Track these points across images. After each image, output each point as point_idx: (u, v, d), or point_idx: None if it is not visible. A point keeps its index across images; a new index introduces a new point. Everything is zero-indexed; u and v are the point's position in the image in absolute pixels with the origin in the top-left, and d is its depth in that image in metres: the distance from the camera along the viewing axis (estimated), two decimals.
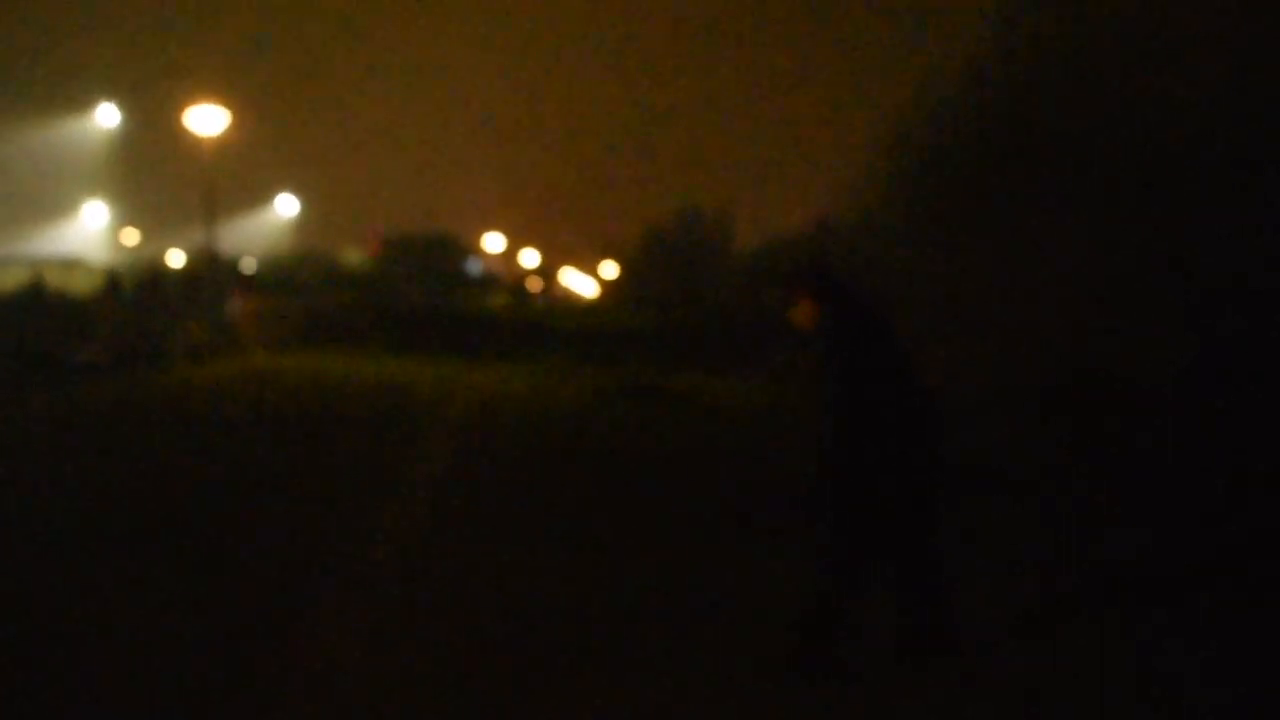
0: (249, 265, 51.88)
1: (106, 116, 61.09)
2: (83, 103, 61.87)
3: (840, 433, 5.29)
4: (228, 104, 34.21)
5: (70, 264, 50.12)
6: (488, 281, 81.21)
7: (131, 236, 69.13)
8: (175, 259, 57.67)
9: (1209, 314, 13.70)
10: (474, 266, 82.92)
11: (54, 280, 37.50)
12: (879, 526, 5.36)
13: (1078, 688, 5.67)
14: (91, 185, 64.94)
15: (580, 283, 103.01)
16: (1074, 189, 17.84)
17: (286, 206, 74.55)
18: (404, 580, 7.68)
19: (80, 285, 40.21)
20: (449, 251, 77.26)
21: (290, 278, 52.29)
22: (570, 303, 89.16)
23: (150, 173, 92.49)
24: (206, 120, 33.70)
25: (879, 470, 5.30)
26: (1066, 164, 18.43)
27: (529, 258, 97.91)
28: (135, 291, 31.52)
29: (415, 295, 58.42)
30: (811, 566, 5.74)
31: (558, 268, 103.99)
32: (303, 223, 77.30)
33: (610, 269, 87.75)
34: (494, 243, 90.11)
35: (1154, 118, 17.82)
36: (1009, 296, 18.16)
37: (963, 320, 19.03)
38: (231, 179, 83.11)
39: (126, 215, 69.13)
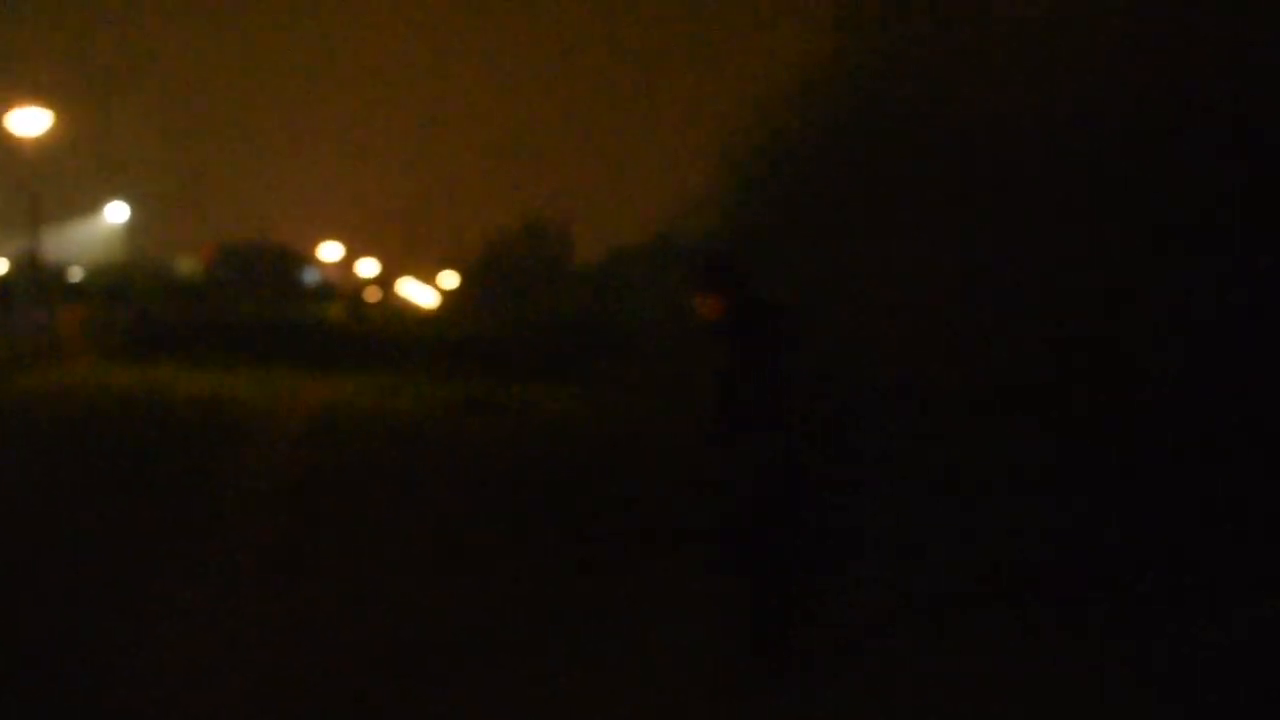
0: (75, 274, 50.04)
1: None
2: None
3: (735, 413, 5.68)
4: (51, 105, 32.94)
5: None
6: (324, 291, 79.80)
7: None
8: None
9: (1044, 319, 13.92)
10: (310, 276, 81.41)
11: None
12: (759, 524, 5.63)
13: (956, 689, 5.62)
14: None
15: (420, 293, 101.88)
16: (916, 196, 18.05)
17: (117, 213, 72.15)
18: (225, 609, 7.27)
19: None
20: (285, 260, 75.76)
21: (120, 286, 50.56)
22: (409, 313, 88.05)
23: None
24: (28, 122, 32.38)
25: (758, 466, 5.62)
26: (908, 172, 18.64)
27: (367, 267, 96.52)
28: None
29: (249, 305, 57.06)
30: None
31: (397, 278, 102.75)
32: (134, 230, 74.84)
33: (450, 279, 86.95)
34: (331, 252, 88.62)
35: (994, 126, 18.14)
36: (850, 305, 18.28)
37: (805, 329, 19.15)
38: (60, 184, 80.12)
39: None
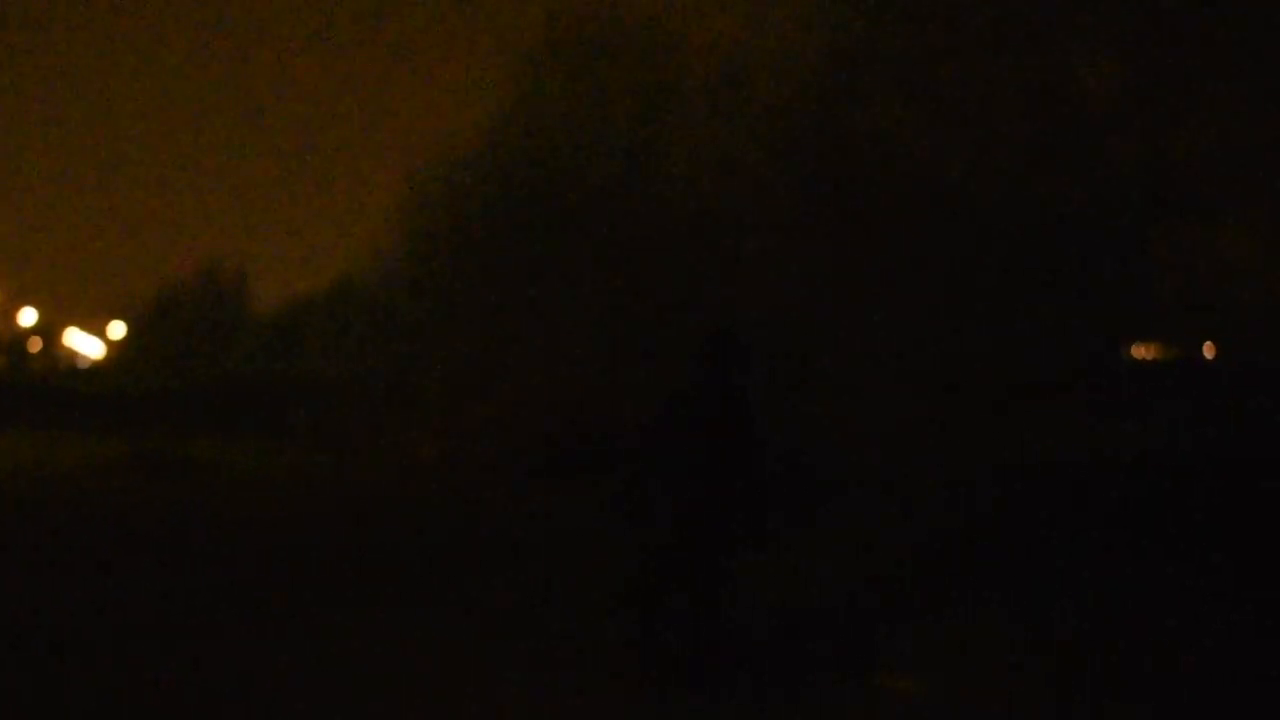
0: None
1: None
2: None
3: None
4: None
5: None
6: None
7: None
8: None
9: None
10: None
11: None
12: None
13: None
14: None
15: (86, 343, 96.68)
16: (593, 244, 18.39)
17: None
18: None
19: None
20: None
21: None
22: (74, 364, 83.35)
23: None
24: None
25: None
26: (585, 219, 18.98)
27: (27, 316, 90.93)
28: None
29: None
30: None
31: (61, 327, 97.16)
32: None
33: (118, 328, 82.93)
34: None
35: (679, 170, 18.69)
36: (534, 352, 18.45)
37: (486, 376, 19.16)
38: None
39: None
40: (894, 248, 14.67)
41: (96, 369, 74.11)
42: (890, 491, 11.43)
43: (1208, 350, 25.63)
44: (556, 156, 20.18)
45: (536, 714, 5.79)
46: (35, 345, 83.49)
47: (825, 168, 15.32)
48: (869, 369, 13.79)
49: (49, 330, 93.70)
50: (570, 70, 20.26)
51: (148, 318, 64.24)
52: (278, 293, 53.75)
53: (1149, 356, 21.70)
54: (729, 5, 18.24)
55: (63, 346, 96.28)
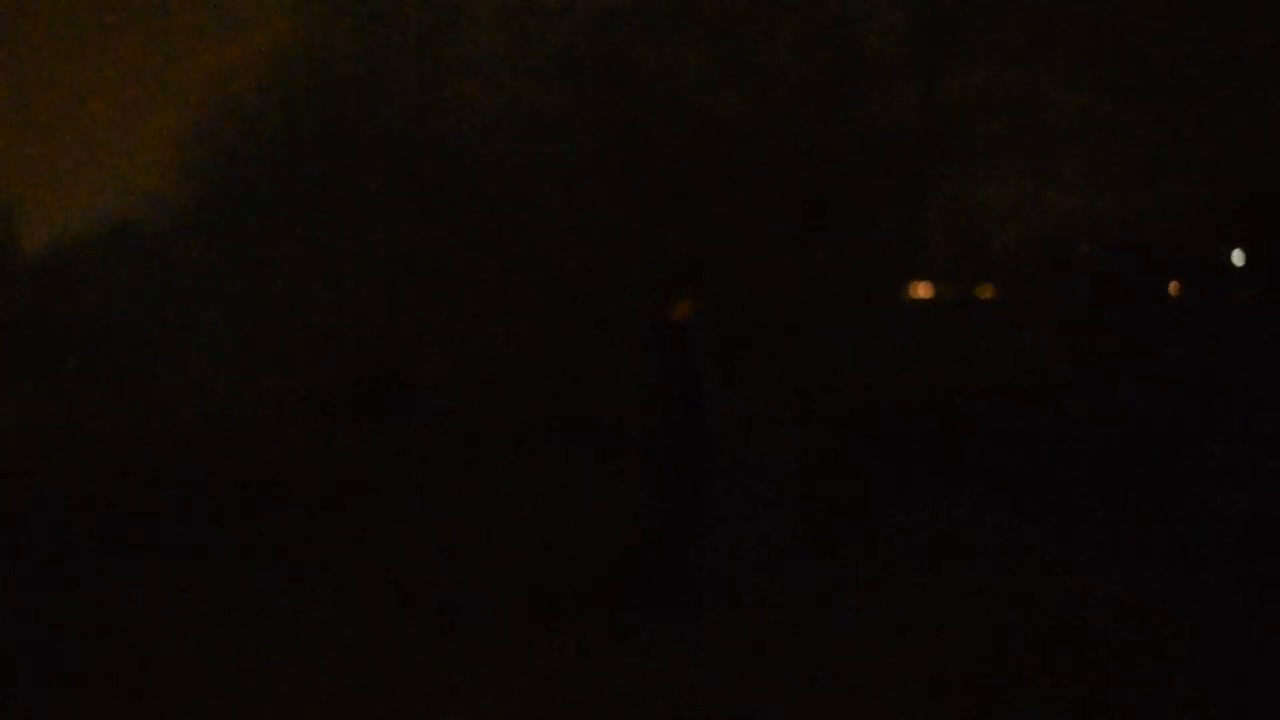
0: None
1: None
2: None
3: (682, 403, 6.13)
4: None
5: None
6: None
7: None
8: None
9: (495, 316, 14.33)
10: None
11: None
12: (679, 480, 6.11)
13: None
14: None
15: None
16: (374, 190, 18.06)
17: None
18: None
19: None
20: None
21: None
22: None
23: None
24: None
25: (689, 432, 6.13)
26: (372, 158, 18.62)
27: None
28: None
29: None
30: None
31: None
32: None
33: None
34: None
35: (448, 120, 18.42)
36: (309, 297, 18.06)
37: (263, 322, 18.69)
38: None
39: None
40: (678, 187, 14.69)
41: None
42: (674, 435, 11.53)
43: (986, 290, 26.55)
44: (342, 95, 19.77)
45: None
46: None
47: (609, 108, 15.27)
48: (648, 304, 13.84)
49: None
50: (356, 9, 19.86)
51: None
52: (48, 234, 51.29)
53: (927, 296, 22.38)
54: None
55: None
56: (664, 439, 6.20)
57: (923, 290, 22.89)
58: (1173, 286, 20.94)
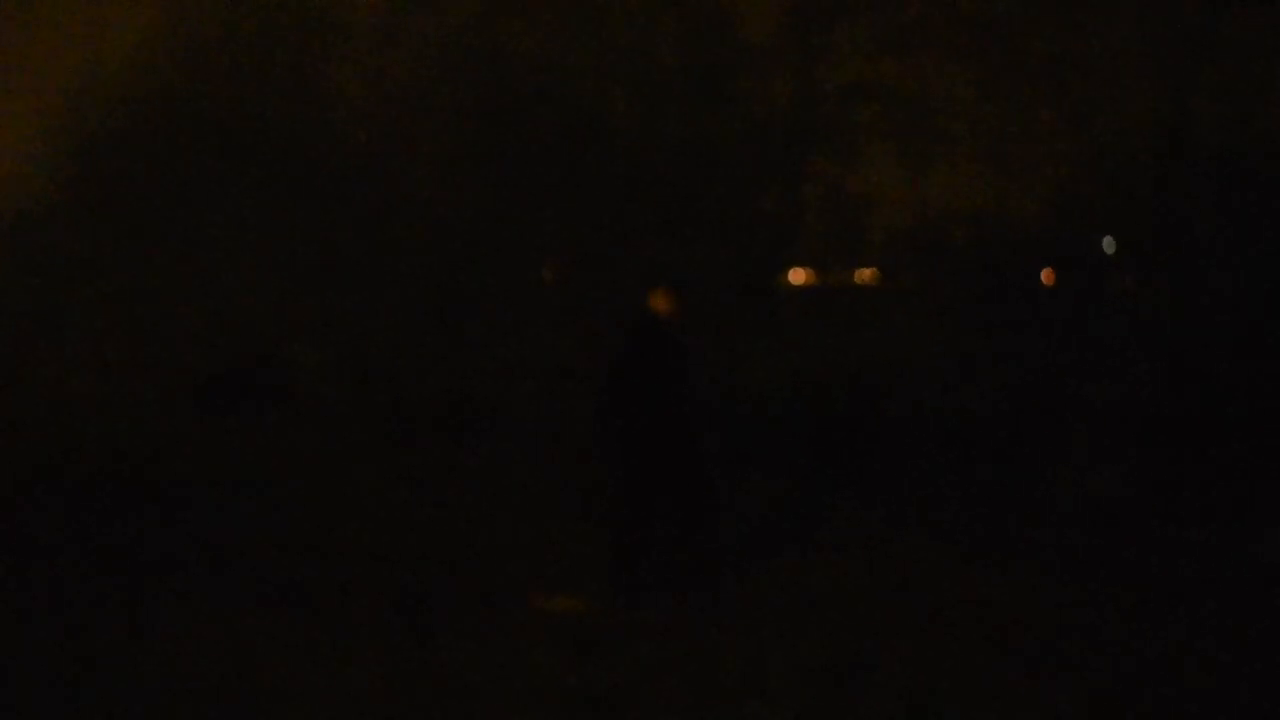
0: None
1: None
2: None
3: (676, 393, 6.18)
4: None
5: None
6: None
7: None
8: None
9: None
10: None
11: None
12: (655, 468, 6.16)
13: None
14: None
15: None
16: (248, 178, 17.77)
17: None
18: None
19: None
20: None
21: None
22: None
23: None
24: None
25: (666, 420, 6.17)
26: (239, 152, 18.34)
27: None
28: None
29: None
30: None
31: None
32: None
33: None
34: None
35: (329, 101, 18.20)
36: (183, 284, 17.73)
37: (137, 307, 18.31)
38: None
39: None
40: (554, 177, 14.65)
41: None
42: (545, 424, 11.46)
43: (864, 275, 26.91)
44: (214, 80, 19.49)
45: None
46: None
47: (484, 97, 15.17)
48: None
49: None
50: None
51: None
52: None
53: (804, 283, 22.59)
54: None
55: None
56: (649, 427, 6.26)
57: (799, 277, 23.11)
58: (1045, 273, 21.35)
